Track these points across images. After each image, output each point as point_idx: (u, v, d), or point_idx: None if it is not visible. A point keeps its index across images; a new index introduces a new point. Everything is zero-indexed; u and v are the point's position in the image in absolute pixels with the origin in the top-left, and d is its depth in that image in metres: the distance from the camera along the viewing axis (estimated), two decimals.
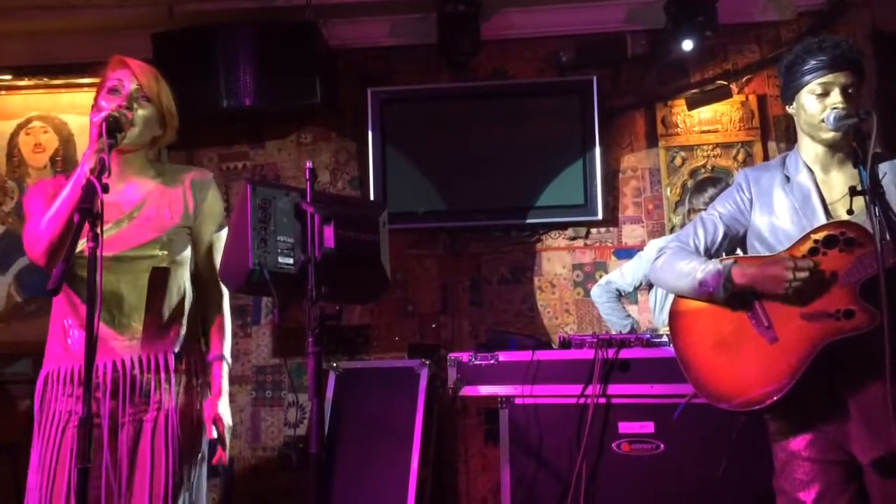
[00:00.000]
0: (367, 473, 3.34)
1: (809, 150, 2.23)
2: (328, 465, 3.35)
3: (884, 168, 2.10)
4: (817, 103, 2.13)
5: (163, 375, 2.12)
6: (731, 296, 2.15)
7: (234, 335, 4.28)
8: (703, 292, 2.17)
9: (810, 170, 2.21)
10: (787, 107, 2.27)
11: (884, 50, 3.97)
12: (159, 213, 2.19)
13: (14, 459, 3.94)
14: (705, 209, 3.26)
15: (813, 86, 2.14)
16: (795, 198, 2.19)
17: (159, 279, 2.16)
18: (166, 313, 2.16)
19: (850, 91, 2.12)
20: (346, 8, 4.19)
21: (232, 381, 4.18)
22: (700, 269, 2.17)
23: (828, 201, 2.16)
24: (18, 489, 3.88)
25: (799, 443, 2.09)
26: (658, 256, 2.37)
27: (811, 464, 2.07)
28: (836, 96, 2.11)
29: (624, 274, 3.69)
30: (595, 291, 3.79)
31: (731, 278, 2.12)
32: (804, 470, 2.08)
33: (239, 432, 4.23)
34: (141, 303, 2.13)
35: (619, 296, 3.73)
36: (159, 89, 2.19)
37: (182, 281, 2.23)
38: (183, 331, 2.20)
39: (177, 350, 2.17)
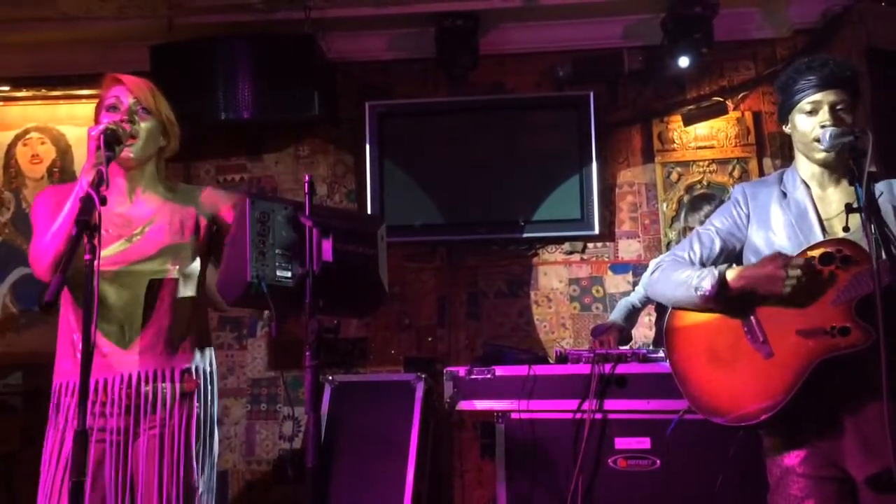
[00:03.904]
0: (363, 487, 3.33)
1: (806, 167, 2.25)
2: (324, 478, 3.33)
3: (879, 187, 2.13)
4: (808, 122, 2.17)
5: (168, 392, 2.12)
6: (727, 305, 2.16)
7: (230, 347, 4.30)
8: (700, 298, 2.17)
9: (807, 186, 2.23)
10: (783, 126, 2.30)
11: (878, 66, 4.00)
12: (170, 229, 2.20)
13: (8, 469, 3.92)
14: None
15: (803, 105, 2.17)
16: (792, 214, 2.21)
17: (162, 291, 2.16)
18: (172, 327, 2.16)
19: (839, 109, 2.14)
20: (345, 22, 4.20)
21: (227, 393, 4.23)
22: (695, 276, 2.19)
23: (823, 218, 2.18)
24: (12, 498, 3.86)
25: (793, 458, 2.10)
26: (654, 270, 2.38)
27: (806, 480, 2.07)
28: (824, 115, 2.14)
29: (637, 290, 3.66)
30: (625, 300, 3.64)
31: (727, 281, 2.12)
32: (799, 486, 2.08)
33: (234, 445, 4.21)
34: (148, 317, 2.13)
35: (635, 309, 3.59)
36: (156, 100, 2.22)
37: (191, 296, 2.23)
38: (191, 347, 2.20)
39: (184, 367, 2.16)
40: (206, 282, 2.31)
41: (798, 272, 2.02)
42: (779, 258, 2.06)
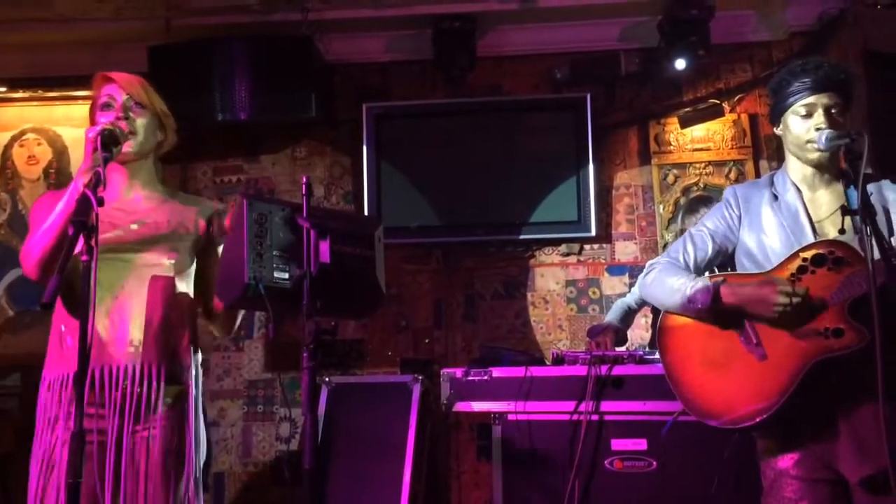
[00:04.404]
0: (359, 488, 3.33)
1: (797, 169, 2.26)
2: (320, 479, 3.33)
3: (869, 188, 2.14)
4: (801, 124, 2.18)
5: (162, 388, 2.11)
6: (720, 313, 2.16)
7: (226, 349, 4.30)
8: (692, 309, 2.19)
9: (798, 188, 2.24)
10: (774, 128, 2.31)
11: (875, 69, 4.00)
12: (169, 225, 2.21)
13: (3, 470, 3.92)
14: None
15: (797, 107, 2.18)
16: (784, 216, 2.22)
17: (161, 288, 2.16)
18: (166, 323, 2.16)
19: (833, 112, 2.16)
20: (342, 23, 4.20)
21: (223, 395, 4.23)
22: (689, 286, 2.19)
23: (815, 220, 2.19)
24: (8, 499, 3.86)
25: (787, 461, 2.10)
26: (648, 272, 2.38)
27: (799, 482, 2.08)
28: (818, 117, 2.15)
29: (633, 291, 3.64)
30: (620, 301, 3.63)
31: (720, 297, 2.13)
32: (793, 488, 2.08)
33: (230, 447, 4.21)
34: (142, 310, 2.13)
35: (631, 311, 3.59)
36: (149, 94, 2.23)
37: (186, 293, 2.23)
38: (184, 345, 2.20)
39: (176, 364, 2.16)
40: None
41: (797, 300, 2.02)
42: (776, 283, 2.06)
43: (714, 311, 2.15)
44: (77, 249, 1.72)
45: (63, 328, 2.12)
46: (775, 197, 2.26)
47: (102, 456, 2.03)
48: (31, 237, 2.11)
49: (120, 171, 2.22)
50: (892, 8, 3.99)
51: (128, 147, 2.14)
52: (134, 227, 2.18)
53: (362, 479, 3.33)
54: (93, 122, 2.18)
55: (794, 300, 2.02)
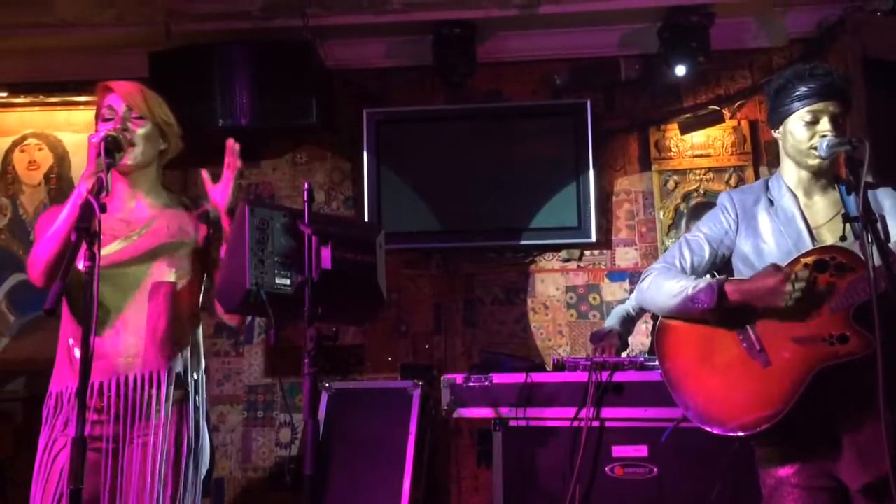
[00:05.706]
0: (359, 494, 3.32)
1: (792, 174, 2.24)
2: (320, 485, 3.33)
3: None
4: (806, 130, 2.15)
5: (163, 396, 2.12)
6: (723, 316, 2.15)
7: (226, 354, 4.29)
8: (695, 310, 2.16)
9: (794, 194, 2.23)
10: (773, 131, 2.28)
11: (874, 77, 4.01)
12: (168, 231, 2.21)
13: (3, 476, 3.91)
14: None
15: (802, 112, 2.15)
16: (780, 221, 2.20)
17: (159, 294, 2.16)
18: (168, 332, 2.16)
19: (838, 120, 2.14)
20: (342, 29, 4.21)
21: (223, 400, 4.23)
22: (691, 287, 2.16)
23: (812, 226, 2.18)
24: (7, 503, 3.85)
25: (787, 469, 2.09)
26: (644, 277, 2.36)
27: (800, 491, 2.06)
28: (825, 124, 2.13)
29: (632, 298, 3.63)
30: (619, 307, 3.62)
31: (725, 294, 2.10)
32: (793, 497, 2.07)
33: (230, 452, 4.20)
34: (143, 319, 2.13)
35: (630, 317, 3.57)
36: (149, 104, 2.22)
37: (190, 301, 2.23)
38: (187, 352, 2.20)
39: (178, 370, 2.16)
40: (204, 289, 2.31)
41: (801, 285, 2.01)
42: (781, 272, 2.04)
43: (719, 310, 2.12)
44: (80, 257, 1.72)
45: (71, 341, 2.12)
46: (771, 202, 2.25)
47: (104, 462, 2.04)
48: (36, 245, 2.12)
49: (122, 182, 2.22)
50: (891, 15, 4.01)
51: (126, 159, 2.14)
52: (135, 237, 2.18)
53: (362, 485, 3.33)
54: (97, 131, 2.19)
55: (799, 286, 2.01)
